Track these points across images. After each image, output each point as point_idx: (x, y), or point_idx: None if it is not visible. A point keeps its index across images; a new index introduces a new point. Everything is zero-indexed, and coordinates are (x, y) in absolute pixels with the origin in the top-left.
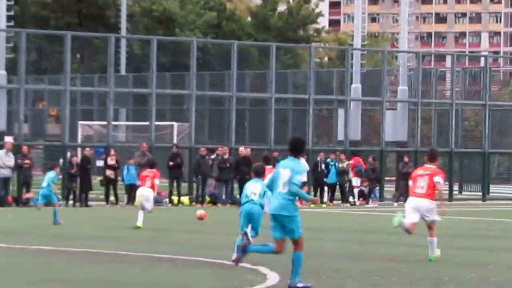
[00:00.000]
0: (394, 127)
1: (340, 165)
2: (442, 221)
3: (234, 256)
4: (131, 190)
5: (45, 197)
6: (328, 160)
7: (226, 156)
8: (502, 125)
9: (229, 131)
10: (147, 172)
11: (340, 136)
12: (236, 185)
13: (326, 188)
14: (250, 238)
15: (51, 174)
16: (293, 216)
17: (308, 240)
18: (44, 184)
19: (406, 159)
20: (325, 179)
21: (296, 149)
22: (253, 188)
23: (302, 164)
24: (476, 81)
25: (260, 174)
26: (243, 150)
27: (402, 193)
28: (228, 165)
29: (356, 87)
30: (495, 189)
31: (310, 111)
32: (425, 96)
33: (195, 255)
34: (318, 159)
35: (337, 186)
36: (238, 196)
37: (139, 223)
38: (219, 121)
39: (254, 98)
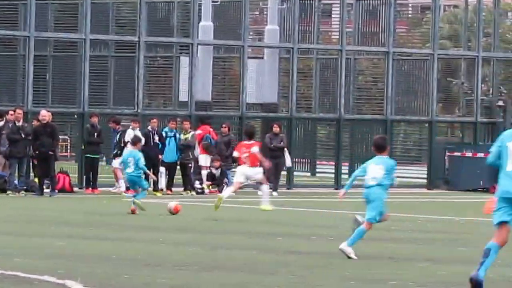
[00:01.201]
0: (259, 83)
1: (183, 137)
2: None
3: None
4: None
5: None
6: (165, 129)
7: (19, 123)
8: (410, 82)
9: (25, 87)
10: None
11: (183, 96)
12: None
13: (162, 170)
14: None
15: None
16: None
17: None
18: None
19: (276, 128)
20: (160, 157)
21: None
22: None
23: None
24: (376, 19)
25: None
26: (45, 114)
27: (269, 176)
28: (22, 135)
29: (206, 26)
30: (401, 172)
31: (139, 59)
32: (304, 40)
33: None
34: (149, 128)
35: (178, 167)
36: (36, 180)
37: None
38: (10, 72)
39: (60, 40)
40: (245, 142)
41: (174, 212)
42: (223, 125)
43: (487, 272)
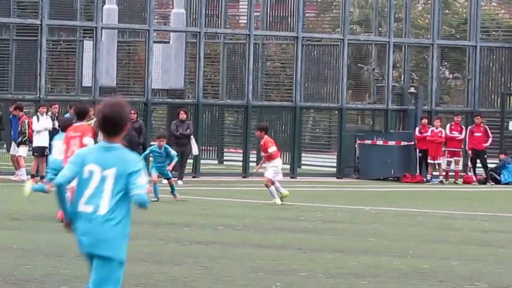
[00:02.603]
0: (165, 68)
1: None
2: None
3: None
4: None
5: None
6: (67, 115)
7: None
8: (320, 68)
9: None
10: None
11: (87, 81)
12: None
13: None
14: None
15: None
16: None
17: (47, 232)
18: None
19: (182, 115)
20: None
21: None
22: None
23: None
24: (284, 3)
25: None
26: None
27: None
28: None
29: (110, 9)
30: (309, 160)
31: (42, 43)
32: (211, 25)
33: None
34: (50, 114)
35: None
36: None
37: None
38: None
39: None
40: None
41: None
42: (131, 111)
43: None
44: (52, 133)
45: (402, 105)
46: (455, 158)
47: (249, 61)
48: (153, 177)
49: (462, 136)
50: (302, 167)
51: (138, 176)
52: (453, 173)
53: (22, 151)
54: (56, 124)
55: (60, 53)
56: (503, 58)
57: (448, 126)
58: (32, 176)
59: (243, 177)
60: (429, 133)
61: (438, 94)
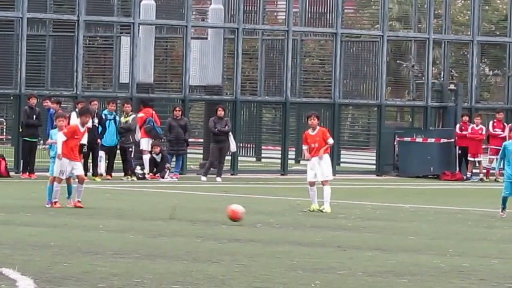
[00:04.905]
0: (202, 64)
1: (123, 120)
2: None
3: None
4: None
5: None
6: (105, 112)
7: None
8: (359, 64)
9: None
10: None
11: (124, 77)
12: None
13: (101, 154)
14: None
15: None
16: None
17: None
18: None
19: (220, 112)
20: (99, 141)
21: None
22: None
23: None
24: None
25: None
26: None
27: (214, 162)
28: None
29: (148, 5)
30: (348, 157)
31: (79, 39)
32: (249, 21)
33: None
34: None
35: (118, 151)
36: None
37: None
38: None
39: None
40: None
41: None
42: (177, 108)
43: (438, 262)
44: (92, 129)
45: (442, 102)
46: (498, 155)
47: (288, 58)
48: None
49: (505, 133)
50: (341, 164)
51: None
52: (494, 171)
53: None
54: (96, 121)
55: (97, 49)
56: None
57: (490, 123)
58: None
59: (281, 174)
60: (469, 131)
61: (478, 91)
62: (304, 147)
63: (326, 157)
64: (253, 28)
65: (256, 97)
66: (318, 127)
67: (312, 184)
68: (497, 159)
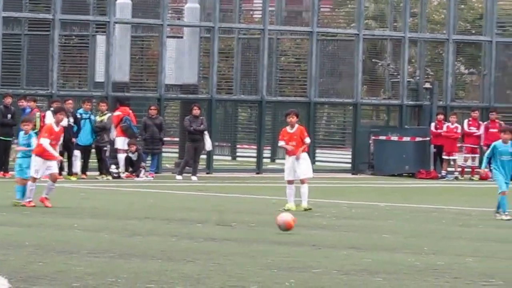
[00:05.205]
0: (178, 63)
1: (98, 119)
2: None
3: None
4: None
5: None
6: (80, 111)
7: None
8: (334, 63)
9: None
10: None
11: (99, 76)
12: None
13: (77, 153)
14: None
15: None
16: None
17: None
18: None
19: (195, 110)
20: (74, 140)
21: None
22: None
23: None
24: None
25: None
26: None
27: (190, 161)
28: None
29: (124, 4)
30: (323, 156)
31: (54, 38)
32: (225, 19)
33: None
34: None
35: (93, 150)
36: None
37: None
38: None
39: None
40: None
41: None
42: (152, 107)
43: (413, 260)
44: (67, 128)
45: (417, 100)
46: (473, 154)
47: (263, 56)
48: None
49: (480, 131)
50: (317, 163)
51: None
52: (469, 169)
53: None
54: (71, 120)
55: (72, 48)
56: None
57: (466, 121)
58: None
59: (257, 173)
60: (444, 129)
61: (453, 90)
62: (281, 143)
63: (305, 156)
64: (229, 27)
65: (232, 96)
66: (296, 125)
67: (290, 182)
68: (473, 157)
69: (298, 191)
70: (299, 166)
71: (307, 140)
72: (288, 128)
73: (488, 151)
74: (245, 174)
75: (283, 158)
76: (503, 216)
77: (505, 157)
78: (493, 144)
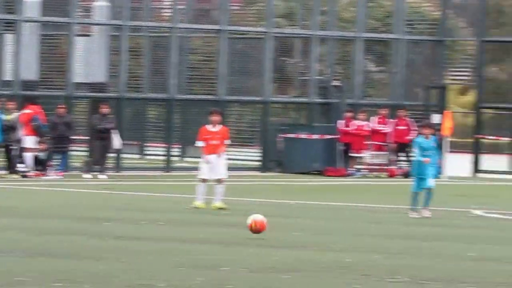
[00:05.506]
0: (87, 62)
1: (6, 118)
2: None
3: None
4: None
5: None
6: None
7: None
8: (244, 61)
9: None
10: None
11: (7, 75)
12: None
13: None
14: None
15: None
16: None
17: None
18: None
19: (104, 109)
20: None
21: None
22: None
23: None
24: None
25: None
26: None
27: (99, 159)
28: None
29: (31, 2)
30: (232, 154)
31: None
32: (135, 17)
33: None
34: None
35: (1, 149)
36: None
37: None
38: None
39: None
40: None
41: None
42: (60, 106)
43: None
44: None
45: (326, 98)
46: (380, 151)
47: (173, 55)
48: None
49: (388, 129)
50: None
51: None
52: (377, 166)
53: None
54: None
55: None
56: (427, 51)
57: (374, 119)
58: None
59: (166, 171)
60: (353, 127)
61: (362, 88)
62: (200, 143)
63: (224, 156)
64: (138, 25)
65: (141, 94)
66: (220, 125)
67: (204, 181)
68: (381, 155)
69: (210, 190)
70: (218, 166)
71: (228, 141)
72: (209, 127)
73: (415, 150)
74: (154, 172)
75: (196, 157)
76: (423, 213)
77: (429, 152)
78: (415, 141)
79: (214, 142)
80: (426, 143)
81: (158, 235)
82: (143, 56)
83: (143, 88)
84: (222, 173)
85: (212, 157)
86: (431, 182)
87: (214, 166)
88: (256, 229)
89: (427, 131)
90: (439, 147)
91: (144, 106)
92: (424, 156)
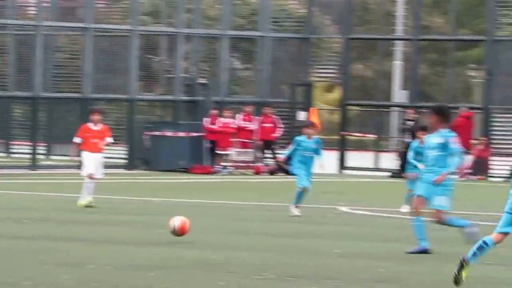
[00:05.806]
0: None
1: None
2: None
3: None
4: None
5: None
6: None
7: None
8: (110, 59)
9: None
10: None
11: None
12: None
13: None
14: None
15: None
16: None
17: None
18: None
19: None
20: None
21: None
22: None
23: None
24: None
25: None
26: None
27: None
28: None
29: None
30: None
31: None
32: (1, 16)
33: None
34: None
35: None
36: None
37: None
38: None
39: None
40: None
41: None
42: None
43: (187, 255)
44: None
45: (192, 96)
46: (246, 148)
47: (38, 53)
48: None
49: (253, 126)
50: None
51: None
52: (243, 164)
53: None
54: None
55: None
56: (293, 49)
57: (239, 116)
58: None
59: (32, 169)
60: (219, 124)
61: (228, 85)
62: (77, 140)
63: (102, 155)
64: (3, 23)
65: (6, 92)
66: (101, 124)
67: (91, 176)
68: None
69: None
70: (96, 165)
71: (109, 139)
72: (91, 125)
73: (291, 148)
74: (20, 170)
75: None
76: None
77: (307, 153)
78: (296, 139)
79: (95, 140)
80: (307, 143)
81: (22, 233)
82: (8, 54)
83: (8, 86)
84: (100, 172)
85: (95, 155)
86: (308, 182)
87: (96, 164)
88: (180, 233)
89: (310, 130)
90: (320, 148)
91: (10, 104)
92: (304, 156)
